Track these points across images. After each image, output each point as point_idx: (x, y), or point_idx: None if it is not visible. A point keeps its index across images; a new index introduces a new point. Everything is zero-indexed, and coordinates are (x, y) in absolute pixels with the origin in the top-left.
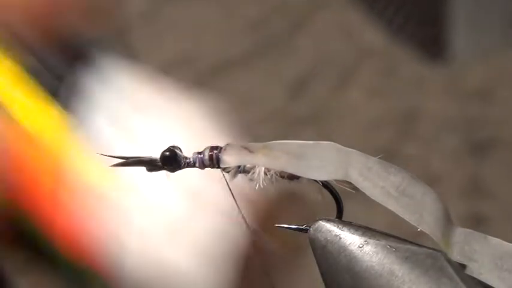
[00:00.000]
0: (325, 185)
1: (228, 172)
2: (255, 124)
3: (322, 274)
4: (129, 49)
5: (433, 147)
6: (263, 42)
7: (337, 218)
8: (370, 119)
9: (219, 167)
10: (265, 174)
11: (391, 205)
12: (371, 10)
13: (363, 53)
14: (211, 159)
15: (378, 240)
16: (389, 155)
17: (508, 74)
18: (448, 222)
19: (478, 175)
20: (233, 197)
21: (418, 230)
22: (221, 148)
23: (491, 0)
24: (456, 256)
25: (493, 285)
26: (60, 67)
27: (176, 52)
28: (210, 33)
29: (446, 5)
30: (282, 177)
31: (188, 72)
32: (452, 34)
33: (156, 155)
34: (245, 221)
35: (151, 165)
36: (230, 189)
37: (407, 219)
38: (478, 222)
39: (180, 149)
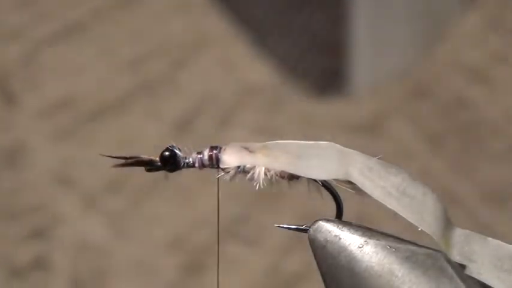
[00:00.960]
0: (325, 185)
1: (227, 172)
2: (137, 167)
3: (322, 274)
4: (8, 94)
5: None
6: (144, 82)
7: (337, 218)
8: None
9: (218, 167)
10: (265, 174)
11: (392, 204)
12: (261, 45)
13: (247, 90)
14: (211, 160)
15: (377, 240)
16: (272, 196)
17: (396, 107)
18: (448, 222)
19: (364, 211)
20: (218, 197)
21: (419, 229)
22: (221, 148)
23: (391, 31)
24: (456, 256)
25: (492, 286)
26: None
27: (55, 96)
28: (90, 75)
29: (344, 36)
30: (282, 177)
31: (68, 115)
32: (350, 65)
33: (156, 155)
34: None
35: (150, 165)
36: (218, 190)
37: (408, 219)
38: None
39: (179, 149)
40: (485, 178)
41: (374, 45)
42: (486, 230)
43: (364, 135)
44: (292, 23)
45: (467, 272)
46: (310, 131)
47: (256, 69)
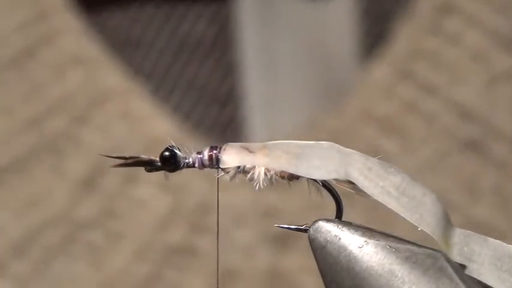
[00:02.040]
0: (325, 185)
1: (227, 172)
2: (41, 228)
3: (322, 274)
4: None
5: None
6: (45, 140)
7: (336, 218)
8: (161, 214)
9: (218, 167)
10: (265, 174)
11: (392, 204)
12: (155, 97)
13: (152, 144)
14: (211, 160)
15: (377, 240)
16: (183, 253)
17: None
18: (447, 223)
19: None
20: (217, 197)
21: (419, 229)
22: (221, 148)
23: (289, 79)
24: (456, 256)
25: (492, 286)
26: None
27: None
28: None
29: (238, 87)
30: (282, 177)
31: None
32: (248, 117)
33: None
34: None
35: (150, 165)
36: (218, 190)
37: (408, 219)
38: None
39: (179, 149)
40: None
41: (271, 98)
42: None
43: (276, 189)
44: (182, 75)
45: (467, 272)
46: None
47: (158, 122)
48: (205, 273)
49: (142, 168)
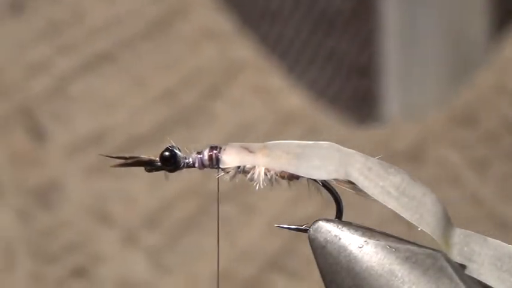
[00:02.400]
0: (325, 185)
1: (227, 172)
2: (174, 200)
3: (322, 274)
4: (37, 130)
5: (364, 212)
6: (177, 113)
7: (336, 218)
8: (293, 190)
9: (218, 167)
10: (265, 174)
11: (392, 204)
12: (291, 72)
13: (284, 118)
14: (211, 160)
15: (377, 240)
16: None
17: (437, 134)
18: (447, 223)
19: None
20: (217, 197)
21: (419, 229)
22: (221, 148)
23: (426, 53)
24: (456, 256)
25: (492, 286)
26: None
27: (87, 129)
28: (120, 107)
29: (376, 59)
30: (282, 177)
31: (101, 148)
32: (384, 90)
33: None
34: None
35: (150, 165)
36: (218, 190)
37: (408, 219)
38: None
39: (179, 149)
40: None
41: (408, 71)
42: None
43: (408, 162)
44: (321, 48)
45: (467, 272)
46: None
47: (291, 97)
48: None
49: (278, 139)
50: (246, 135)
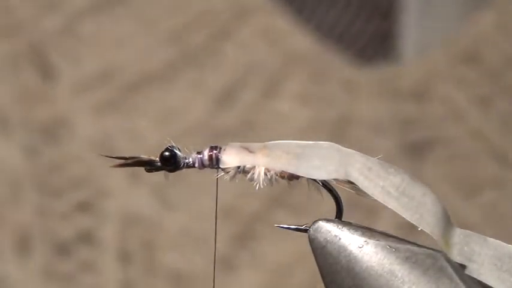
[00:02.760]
0: (325, 185)
1: (227, 172)
2: (180, 137)
3: (322, 274)
4: (47, 67)
5: (367, 150)
6: (186, 53)
7: (336, 218)
8: (300, 127)
9: (218, 167)
10: (265, 174)
11: (392, 204)
12: (299, 14)
13: (291, 60)
14: (211, 160)
15: (377, 240)
16: None
17: (445, 71)
18: (447, 223)
19: (415, 174)
20: (216, 198)
21: (419, 229)
22: (221, 148)
23: None
24: (456, 256)
25: (492, 286)
26: None
27: (95, 67)
28: (130, 47)
29: (395, 1)
30: (282, 177)
31: (109, 87)
32: (398, 31)
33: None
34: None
35: (150, 165)
36: (217, 190)
37: (408, 219)
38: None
39: (179, 149)
40: None
41: (422, 9)
42: None
43: (414, 100)
44: None
45: (467, 272)
46: (357, 98)
47: (298, 38)
48: None
49: (285, 80)
50: (253, 76)
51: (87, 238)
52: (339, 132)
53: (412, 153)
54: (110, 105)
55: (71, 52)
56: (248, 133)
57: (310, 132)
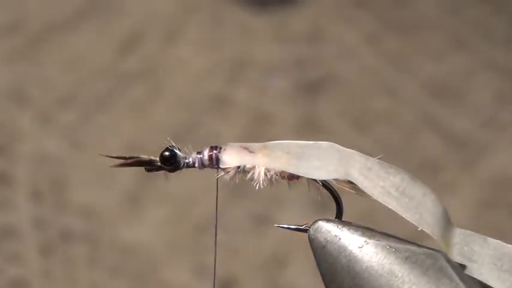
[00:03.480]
0: (325, 185)
1: (227, 172)
2: (87, 81)
3: (322, 274)
4: None
5: (263, 91)
6: (89, 4)
7: (336, 218)
8: (200, 71)
9: (218, 167)
10: (265, 174)
11: (392, 204)
12: None
13: (190, 7)
14: (211, 160)
15: (377, 240)
16: (221, 102)
17: (335, 14)
18: (447, 223)
19: (311, 113)
20: (216, 198)
21: (419, 229)
22: (221, 148)
23: None
24: (456, 256)
25: (492, 286)
26: None
27: (4, 19)
28: None
29: None
30: (282, 177)
31: (17, 36)
32: None
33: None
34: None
35: (150, 165)
36: (217, 190)
37: (407, 219)
38: None
39: (179, 149)
40: (427, 72)
41: None
42: (430, 122)
43: (307, 42)
44: None
45: (467, 272)
46: (253, 42)
47: None
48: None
49: (184, 26)
50: (153, 22)
51: (2, 178)
52: (236, 74)
53: (308, 92)
54: (20, 53)
55: None
56: (151, 77)
57: (209, 74)
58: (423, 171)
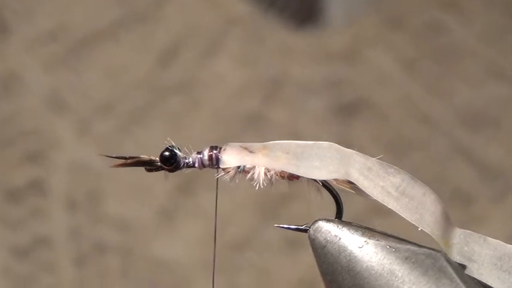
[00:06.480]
0: (325, 185)
1: (227, 172)
2: (126, 92)
3: (322, 274)
4: (1, 24)
5: (299, 111)
6: (130, 14)
7: (336, 218)
8: (237, 87)
9: (218, 167)
10: (265, 174)
11: (392, 204)
12: None
13: (230, 22)
14: (211, 160)
15: (377, 240)
16: (257, 120)
17: (373, 36)
18: (447, 223)
19: (345, 135)
20: (216, 198)
21: (419, 229)
22: (220, 148)
23: None
24: (456, 256)
25: (492, 286)
26: None
27: (46, 26)
28: (80, 6)
29: None
30: (282, 177)
31: (58, 44)
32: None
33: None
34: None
35: (150, 165)
36: (217, 190)
37: (407, 219)
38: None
39: (179, 148)
40: (463, 100)
41: None
42: (463, 151)
43: (344, 64)
44: None
45: (467, 272)
46: (291, 61)
47: (237, 2)
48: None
49: (220, 41)
50: (192, 36)
51: (37, 187)
52: (273, 92)
53: (342, 114)
54: (61, 61)
55: (24, 9)
56: (188, 90)
57: (246, 91)
58: (455, 200)
